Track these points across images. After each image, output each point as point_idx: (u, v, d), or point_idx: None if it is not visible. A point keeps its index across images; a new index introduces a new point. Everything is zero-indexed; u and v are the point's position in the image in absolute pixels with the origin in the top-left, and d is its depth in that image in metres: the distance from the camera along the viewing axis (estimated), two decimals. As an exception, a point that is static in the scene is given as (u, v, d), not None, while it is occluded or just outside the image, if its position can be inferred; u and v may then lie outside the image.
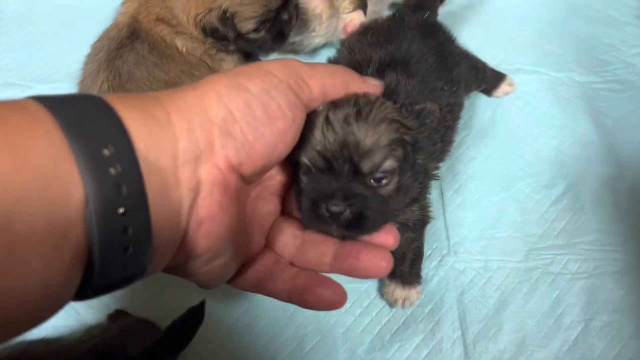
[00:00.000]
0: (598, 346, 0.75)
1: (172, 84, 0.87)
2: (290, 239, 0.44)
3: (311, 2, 0.96)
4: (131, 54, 0.86)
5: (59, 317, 0.84)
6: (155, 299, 0.80)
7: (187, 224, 0.32)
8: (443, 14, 0.96)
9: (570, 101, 1.00)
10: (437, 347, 0.76)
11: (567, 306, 0.79)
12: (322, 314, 0.79)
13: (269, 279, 0.41)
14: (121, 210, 0.26)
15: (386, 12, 1.07)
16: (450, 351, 0.76)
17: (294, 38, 1.00)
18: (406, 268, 0.75)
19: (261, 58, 1.06)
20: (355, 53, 0.77)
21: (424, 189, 0.60)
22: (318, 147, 0.45)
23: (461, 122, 0.96)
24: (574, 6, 1.13)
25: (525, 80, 1.02)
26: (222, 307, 0.79)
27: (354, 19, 0.92)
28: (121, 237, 0.27)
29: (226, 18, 0.85)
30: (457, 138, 0.94)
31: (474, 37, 1.00)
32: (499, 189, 0.89)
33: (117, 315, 0.78)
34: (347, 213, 0.43)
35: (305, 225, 0.45)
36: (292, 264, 0.43)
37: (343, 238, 0.44)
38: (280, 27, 0.91)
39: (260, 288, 0.41)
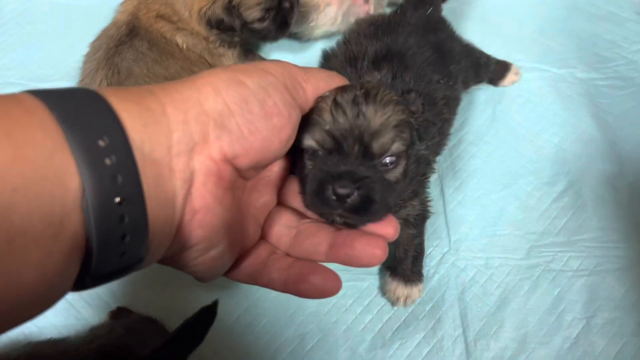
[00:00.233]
0: (599, 343, 0.75)
1: (171, 80, 0.87)
2: (285, 230, 0.43)
3: None
4: (130, 50, 0.86)
5: (59, 316, 0.84)
6: (157, 298, 0.80)
7: (181, 214, 0.32)
8: (444, 10, 0.96)
9: (571, 98, 0.99)
10: (438, 345, 0.76)
11: (569, 303, 0.79)
12: (322, 311, 0.79)
13: (264, 270, 0.41)
14: (117, 199, 0.27)
15: (385, 10, 1.06)
16: (451, 349, 0.76)
17: (295, 29, 1.02)
18: (408, 266, 0.75)
19: (261, 54, 1.06)
20: (352, 44, 0.77)
21: (424, 181, 0.59)
22: (327, 127, 0.44)
23: (462, 119, 0.96)
24: (574, 3, 1.13)
25: (527, 77, 1.01)
26: (223, 306, 0.79)
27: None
28: (118, 225, 0.27)
29: (232, 7, 0.86)
30: (458, 136, 0.94)
31: (475, 34, 0.99)
32: (500, 187, 0.89)
33: (118, 313, 0.78)
34: (355, 196, 0.42)
35: (308, 209, 0.45)
36: (288, 255, 0.43)
37: (346, 224, 0.44)
38: (283, 15, 0.91)
39: (256, 279, 0.41)
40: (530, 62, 1.03)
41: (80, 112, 0.27)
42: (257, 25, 0.90)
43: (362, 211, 0.43)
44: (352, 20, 0.99)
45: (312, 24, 1.02)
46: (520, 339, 0.76)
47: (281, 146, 0.37)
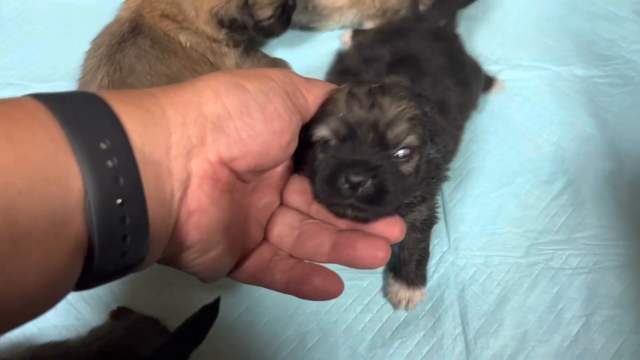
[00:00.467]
0: (599, 341, 0.76)
1: (173, 79, 0.87)
2: (288, 230, 0.43)
3: None
4: (133, 48, 0.86)
5: (59, 317, 0.84)
6: (157, 298, 0.81)
7: (177, 215, 0.33)
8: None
9: (570, 96, 1.00)
10: (438, 343, 0.76)
11: (568, 301, 0.79)
12: (323, 311, 0.79)
13: (266, 271, 0.41)
14: (119, 200, 0.27)
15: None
16: (451, 347, 0.76)
17: (313, 25, 1.09)
18: (412, 269, 0.75)
19: (264, 50, 1.06)
20: (365, 49, 0.77)
21: (434, 186, 0.59)
22: (341, 114, 0.43)
23: (461, 118, 0.96)
24: (573, 2, 1.13)
25: (525, 76, 1.02)
26: (224, 306, 0.79)
27: None
28: (119, 226, 0.28)
29: (247, 7, 0.87)
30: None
31: (474, 33, 1.00)
32: (499, 185, 0.89)
33: (119, 313, 0.78)
34: (369, 184, 0.41)
35: (318, 199, 0.44)
36: (291, 256, 0.43)
37: (356, 218, 0.43)
38: (287, 13, 0.93)
39: (259, 280, 0.41)
40: (529, 61, 1.04)
41: (82, 115, 0.28)
42: (266, 23, 0.91)
43: (375, 201, 0.42)
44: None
45: (332, 22, 1.09)
46: (520, 337, 0.76)
47: (281, 151, 0.37)
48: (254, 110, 0.35)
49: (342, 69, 0.77)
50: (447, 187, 0.89)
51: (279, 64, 1.05)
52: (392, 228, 0.42)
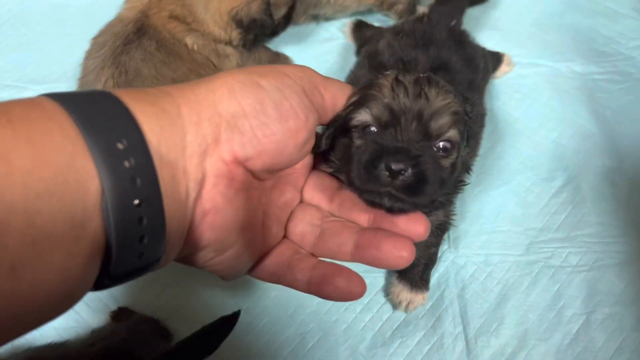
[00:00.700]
0: (599, 339, 0.75)
1: (179, 82, 0.86)
2: (309, 228, 0.43)
3: None
4: (138, 50, 0.85)
5: (58, 318, 0.84)
6: (157, 298, 0.80)
7: (192, 216, 0.32)
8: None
9: (569, 93, 0.99)
10: (439, 342, 0.76)
11: (568, 299, 0.79)
12: (323, 310, 0.79)
13: (287, 270, 0.41)
14: (136, 201, 0.27)
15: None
16: (452, 346, 0.76)
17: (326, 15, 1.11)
18: (418, 272, 0.75)
19: (268, 46, 1.07)
20: (398, 51, 0.77)
21: (455, 192, 0.59)
22: (386, 100, 0.43)
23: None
24: (572, -2, 1.13)
25: (524, 73, 1.01)
26: (223, 306, 0.79)
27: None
28: (137, 227, 0.28)
29: (268, 7, 0.87)
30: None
31: (472, 30, 0.99)
32: (499, 183, 0.89)
33: (120, 313, 0.78)
34: (409, 173, 0.40)
35: (354, 185, 0.43)
36: (312, 254, 0.42)
37: (390, 209, 0.42)
38: (291, 12, 0.94)
39: (279, 279, 0.41)
40: (528, 57, 1.03)
41: (99, 115, 0.27)
42: (277, 22, 0.92)
43: (414, 191, 0.41)
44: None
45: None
46: (520, 336, 0.76)
47: (296, 150, 0.37)
48: (270, 108, 0.34)
49: (378, 64, 0.76)
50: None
51: (281, 57, 1.04)
52: (416, 226, 0.41)
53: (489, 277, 0.81)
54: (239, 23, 0.88)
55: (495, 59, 0.97)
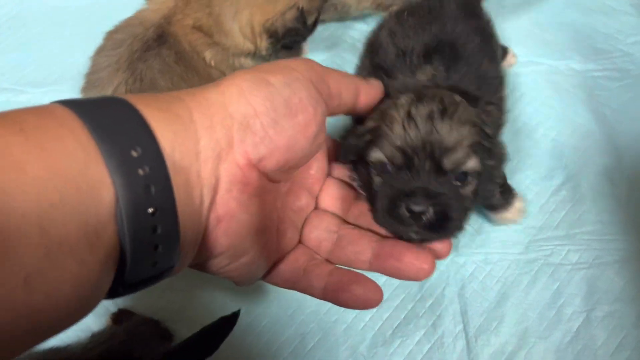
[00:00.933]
0: (600, 336, 0.75)
1: None
2: (326, 234, 0.43)
3: None
4: (157, 59, 0.82)
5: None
6: (158, 300, 0.80)
7: (206, 222, 0.32)
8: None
9: (568, 91, 0.99)
10: (439, 341, 0.76)
11: (568, 297, 0.79)
12: (322, 310, 0.79)
13: (302, 276, 0.41)
14: (150, 210, 0.27)
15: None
16: (452, 345, 0.76)
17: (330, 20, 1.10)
18: (499, 197, 0.76)
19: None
20: (398, 37, 0.74)
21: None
22: (398, 143, 0.43)
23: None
24: (570, -4, 1.13)
25: (523, 71, 1.01)
26: (224, 307, 0.79)
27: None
28: (151, 236, 0.27)
29: (303, 15, 0.86)
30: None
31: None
32: (498, 182, 0.89)
33: (120, 315, 0.78)
34: (431, 213, 0.41)
35: (380, 225, 0.43)
36: (328, 260, 0.42)
37: (422, 241, 0.42)
38: (319, 16, 0.93)
39: (294, 285, 0.41)
40: (526, 56, 1.03)
41: (112, 122, 0.27)
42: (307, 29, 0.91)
43: (439, 228, 0.41)
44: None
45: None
46: (520, 334, 0.76)
47: (307, 144, 0.36)
48: (279, 104, 0.34)
49: (376, 64, 0.74)
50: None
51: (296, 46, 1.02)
52: (440, 244, 0.42)
53: (488, 276, 0.81)
54: (273, 34, 0.86)
55: (502, 48, 0.96)
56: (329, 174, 0.47)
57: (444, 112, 0.43)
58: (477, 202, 0.49)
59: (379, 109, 0.47)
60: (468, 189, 0.45)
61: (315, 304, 0.79)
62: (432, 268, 0.39)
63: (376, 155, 0.44)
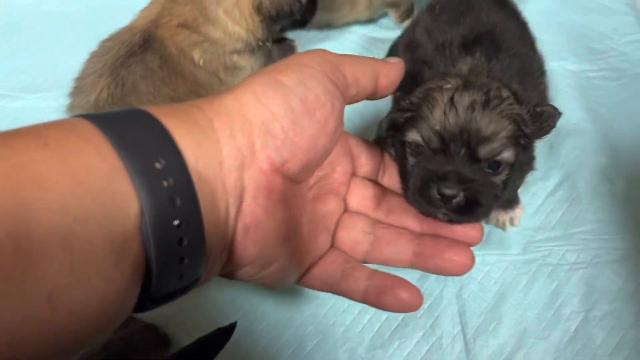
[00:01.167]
0: (599, 336, 0.75)
1: (177, 100, 0.83)
2: (361, 236, 0.43)
3: None
4: (140, 65, 0.82)
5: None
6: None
7: (233, 232, 0.32)
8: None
9: (563, 91, 1.00)
10: (438, 343, 0.76)
11: (567, 297, 0.78)
12: (321, 313, 0.79)
13: (340, 279, 0.41)
14: (176, 222, 0.27)
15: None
16: (450, 347, 0.76)
17: (326, 16, 1.05)
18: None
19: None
20: (435, 33, 0.74)
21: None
22: (437, 127, 0.44)
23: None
24: (564, -5, 1.13)
25: (518, 71, 1.01)
26: (222, 311, 0.79)
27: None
28: (177, 248, 0.27)
29: None
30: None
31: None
32: (495, 182, 0.89)
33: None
34: (461, 197, 0.42)
35: (411, 204, 0.45)
36: (363, 262, 0.43)
37: (450, 221, 0.44)
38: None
39: (332, 287, 0.41)
40: (522, 56, 1.03)
41: (135, 135, 0.27)
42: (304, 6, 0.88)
43: (467, 212, 0.43)
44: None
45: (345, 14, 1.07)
46: (519, 335, 0.76)
47: (328, 140, 0.36)
48: (296, 104, 0.34)
49: (416, 59, 0.74)
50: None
51: (288, 43, 1.00)
52: (472, 231, 0.43)
53: (486, 277, 0.80)
54: (265, 14, 0.83)
55: None
56: (353, 174, 0.46)
57: (486, 104, 0.44)
58: (508, 192, 0.50)
59: (425, 88, 0.48)
60: (499, 178, 0.46)
61: (314, 306, 0.79)
62: (473, 262, 0.40)
63: (413, 136, 0.45)
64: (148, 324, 0.76)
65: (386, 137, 0.49)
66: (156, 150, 0.27)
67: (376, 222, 0.44)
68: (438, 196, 0.42)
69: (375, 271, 0.41)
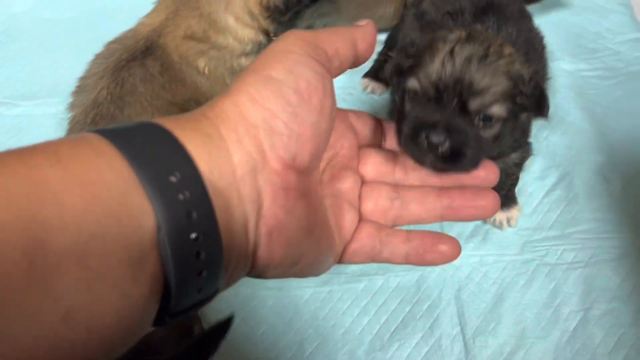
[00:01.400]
0: (598, 335, 0.75)
1: (175, 104, 0.84)
2: (389, 203, 0.43)
3: None
4: (140, 69, 0.82)
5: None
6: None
7: (255, 238, 0.32)
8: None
9: (559, 91, 1.00)
10: (437, 344, 0.76)
11: (565, 296, 0.79)
12: (320, 316, 0.79)
13: (380, 249, 0.42)
14: (193, 235, 0.26)
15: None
16: (450, 348, 0.76)
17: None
18: (503, 195, 0.76)
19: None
20: (443, 3, 0.74)
21: (523, 139, 0.61)
22: (434, 76, 0.45)
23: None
24: (558, -5, 1.14)
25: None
26: (219, 317, 0.79)
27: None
28: (195, 262, 0.27)
29: None
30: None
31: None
32: (492, 183, 0.89)
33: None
34: (446, 146, 0.44)
35: (401, 148, 0.46)
36: (394, 225, 0.44)
37: (435, 169, 0.45)
38: None
39: (374, 258, 0.42)
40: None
41: (148, 148, 0.27)
42: None
43: (451, 162, 0.44)
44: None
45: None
46: (518, 335, 0.76)
47: (328, 120, 0.36)
48: (289, 95, 0.33)
49: (424, 24, 0.75)
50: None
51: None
52: (486, 174, 0.44)
53: (484, 278, 0.81)
54: (275, 9, 0.83)
55: None
56: (360, 146, 0.46)
57: (484, 58, 0.46)
58: (497, 149, 0.52)
59: (431, 37, 0.49)
60: (489, 132, 0.47)
61: (313, 309, 0.79)
62: (499, 203, 0.42)
63: (412, 83, 0.47)
64: None
65: (391, 81, 0.51)
66: (170, 163, 0.27)
67: (398, 186, 0.45)
68: (426, 143, 0.44)
69: (410, 232, 0.43)
